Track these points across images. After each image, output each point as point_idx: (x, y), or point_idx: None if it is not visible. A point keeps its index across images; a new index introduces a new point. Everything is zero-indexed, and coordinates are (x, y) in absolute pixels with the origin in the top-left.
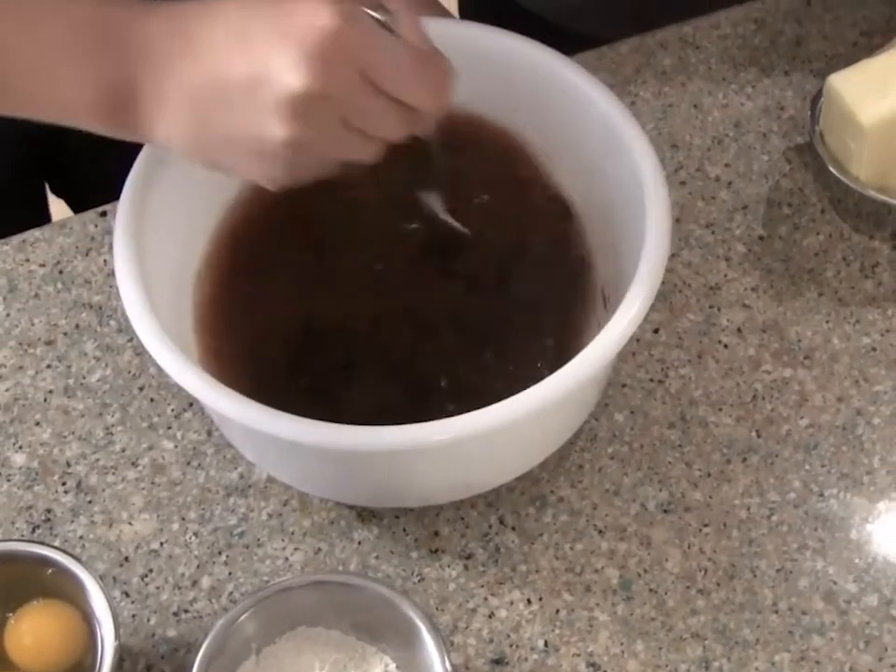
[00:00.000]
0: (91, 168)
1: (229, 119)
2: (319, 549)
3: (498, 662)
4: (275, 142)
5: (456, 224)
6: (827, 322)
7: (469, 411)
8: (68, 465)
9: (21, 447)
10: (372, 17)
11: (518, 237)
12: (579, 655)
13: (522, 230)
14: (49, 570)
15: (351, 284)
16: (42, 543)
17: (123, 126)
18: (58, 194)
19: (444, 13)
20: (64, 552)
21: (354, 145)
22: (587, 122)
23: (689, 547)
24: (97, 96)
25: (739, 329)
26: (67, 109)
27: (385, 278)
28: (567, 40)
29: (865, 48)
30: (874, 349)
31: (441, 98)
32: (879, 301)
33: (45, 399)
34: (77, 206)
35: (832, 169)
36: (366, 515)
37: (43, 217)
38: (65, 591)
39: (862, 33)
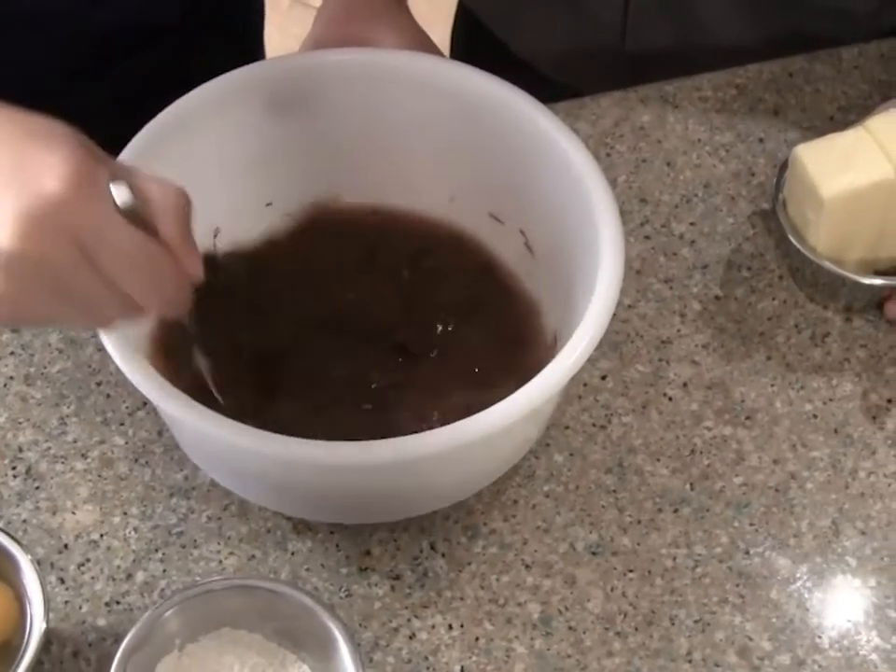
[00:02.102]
0: None
1: None
2: (253, 555)
3: None
4: None
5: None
6: (772, 385)
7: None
8: (20, 450)
9: None
10: (119, 196)
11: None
12: None
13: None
14: None
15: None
16: None
17: None
18: None
19: (435, 51)
20: (5, 532)
21: (70, 311)
22: (550, 166)
23: (612, 590)
24: None
25: (685, 384)
26: None
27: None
28: (552, 88)
29: (841, 123)
30: (815, 416)
31: (163, 301)
32: (826, 371)
33: (4, 385)
34: None
35: (790, 237)
36: (302, 528)
37: None
38: (2, 570)
39: (840, 108)
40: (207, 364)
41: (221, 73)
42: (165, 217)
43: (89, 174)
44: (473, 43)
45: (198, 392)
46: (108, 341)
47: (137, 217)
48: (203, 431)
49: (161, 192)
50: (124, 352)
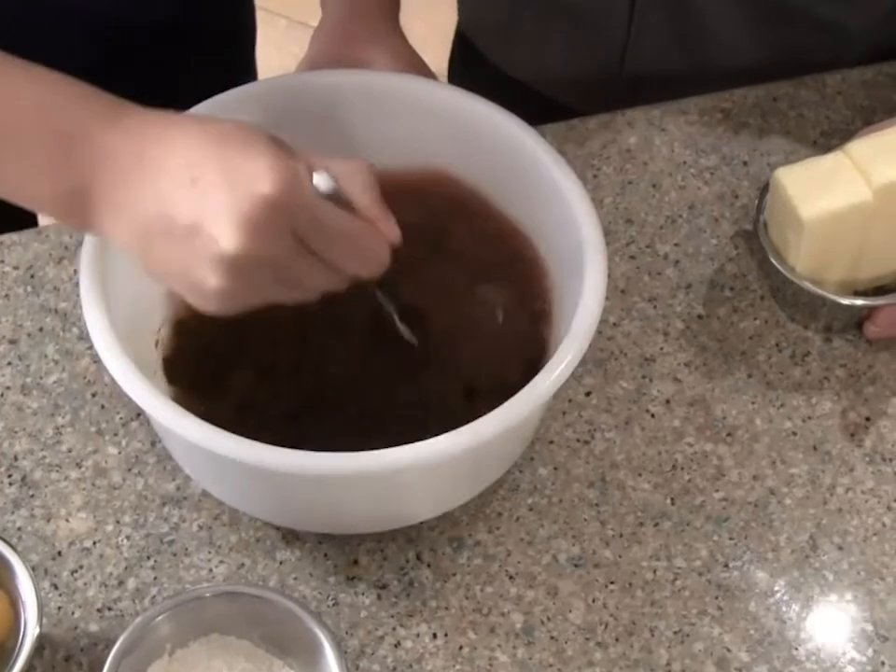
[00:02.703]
0: None
1: (169, 253)
2: (243, 564)
3: None
4: (207, 287)
5: (406, 332)
6: (753, 403)
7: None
8: (15, 459)
9: None
10: (320, 183)
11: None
12: None
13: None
14: None
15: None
16: None
17: (79, 225)
18: None
19: (429, 75)
20: (0, 538)
21: (286, 294)
22: (537, 187)
23: (593, 601)
24: (54, 195)
25: (668, 401)
26: (24, 198)
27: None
28: (548, 108)
29: (824, 147)
30: (794, 433)
31: (372, 268)
32: (805, 389)
33: (1, 395)
34: None
35: (771, 258)
36: (290, 537)
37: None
38: None
39: (823, 133)
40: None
41: (213, 92)
42: (361, 193)
43: (293, 172)
44: (470, 66)
45: (194, 405)
46: (104, 352)
47: (337, 199)
48: (193, 440)
49: (352, 171)
50: (119, 362)
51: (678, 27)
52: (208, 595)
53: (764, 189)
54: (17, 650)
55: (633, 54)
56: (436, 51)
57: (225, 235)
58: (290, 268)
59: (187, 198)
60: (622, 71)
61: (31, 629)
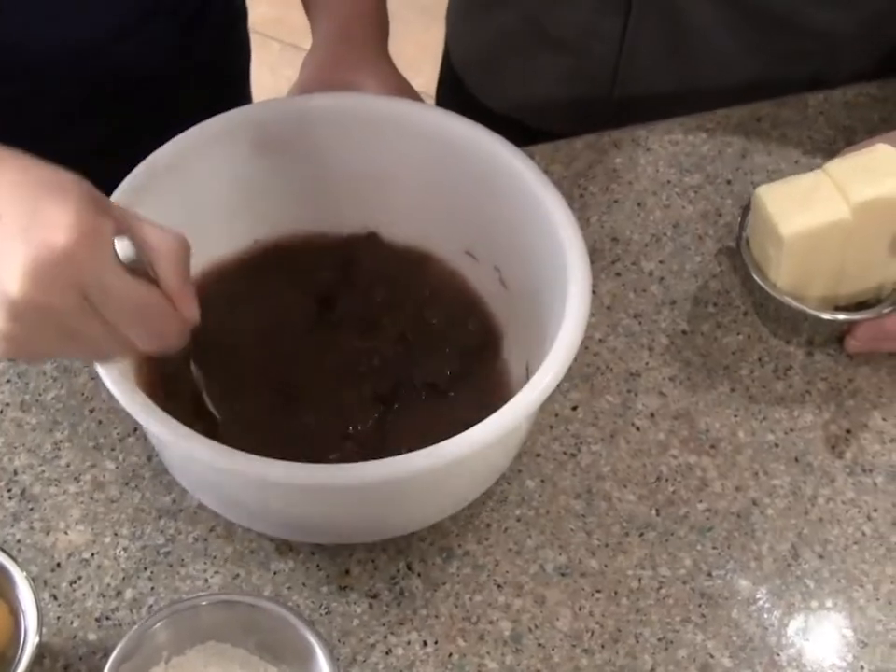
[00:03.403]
0: None
1: None
2: (238, 574)
3: None
4: None
5: (213, 409)
6: (735, 416)
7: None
8: (15, 473)
9: None
10: (121, 249)
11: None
12: None
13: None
14: None
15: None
16: None
17: None
18: None
19: (416, 98)
20: (1, 549)
21: (76, 350)
22: (523, 208)
23: (580, 609)
24: None
25: (653, 415)
26: None
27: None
28: (531, 135)
29: (806, 166)
30: (776, 445)
31: (161, 344)
32: (787, 402)
33: (1, 411)
34: None
35: (753, 274)
36: (284, 549)
37: None
38: None
39: (805, 152)
40: (202, 378)
41: (210, 113)
42: (165, 267)
43: (95, 230)
44: (457, 96)
45: (185, 416)
46: (101, 368)
47: (139, 267)
48: (188, 451)
49: (161, 242)
50: (116, 378)
51: (669, 48)
52: (204, 603)
53: (747, 207)
54: (17, 658)
55: (623, 77)
56: (427, 73)
57: (11, 280)
58: (74, 326)
59: None
60: (612, 94)
61: (31, 638)
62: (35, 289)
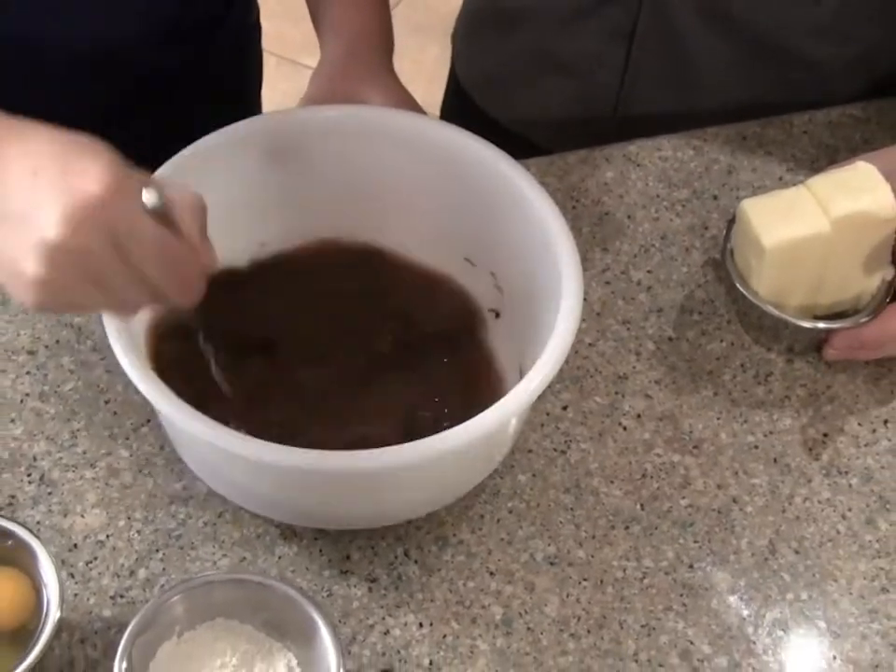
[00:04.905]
0: None
1: (2, 239)
2: (244, 558)
3: None
4: (26, 276)
5: (221, 380)
6: (718, 419)
7: None
8: (35, 459)
9: None
10: (148, 199)
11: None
12: None
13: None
14: (10, 542)
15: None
16: (7, 518)
17: None
18: None
19: (419, 111)
20: (26, 527)
21: (100, 298)
22: (520, 217)
23: (567, 596)
24: None
25: (639, 416)
26: None
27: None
28: (532, 149)
29: (790, 183)
30: (756, 447)
31: (184, 292)
32: (767, 407)
33: (21, 401)
34: None
35: (736, 283)
36: (289, 534)
37: None
38: (22, 562)
39: (789, 169)
40: (213, 352)
41: (223, 124)
42: (186, 217)
43: (124, 179)
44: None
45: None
46: (118, 351)
47: (163, 217)
48: (198, 433)
49: (183, 197)
50: (134, 363)
51: (669, 73)
52: (216, 580)
53: (732, 220)
54: (39, 631)
55: (626, 100)
56: (423, 89)
57: (49, 224)
58: (104, 271)
59: (26, 187)
60: (614, 115)
61: (53, 612)
62: (71, 233)
